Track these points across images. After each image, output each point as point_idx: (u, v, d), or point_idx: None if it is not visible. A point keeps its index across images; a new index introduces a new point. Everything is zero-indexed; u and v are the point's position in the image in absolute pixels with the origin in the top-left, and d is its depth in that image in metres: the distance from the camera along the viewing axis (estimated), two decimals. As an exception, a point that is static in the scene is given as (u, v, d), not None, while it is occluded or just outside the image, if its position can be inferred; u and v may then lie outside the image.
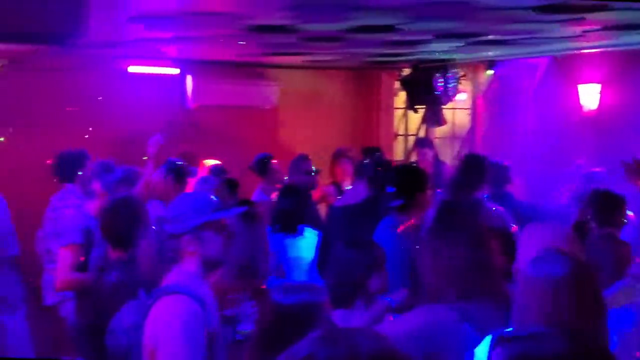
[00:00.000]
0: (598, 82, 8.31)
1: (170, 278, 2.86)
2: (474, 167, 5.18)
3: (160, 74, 7.90)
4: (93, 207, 4.84)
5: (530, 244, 2.80)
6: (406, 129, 9.97)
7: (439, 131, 9.52)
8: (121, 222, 3.92)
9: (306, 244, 5.03)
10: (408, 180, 4.56)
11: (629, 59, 7.70)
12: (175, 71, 7.98)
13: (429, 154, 7.82)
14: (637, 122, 7.41)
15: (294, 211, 5.06)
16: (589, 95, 8.38)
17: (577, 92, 8.47)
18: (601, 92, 8.33)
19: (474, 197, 4.87)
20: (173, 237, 2.85)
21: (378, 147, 8.10)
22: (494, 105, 9.34)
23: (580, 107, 8.45)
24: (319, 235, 5.06)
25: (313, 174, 6.43)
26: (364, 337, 1.37)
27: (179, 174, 5.49)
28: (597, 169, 6.27)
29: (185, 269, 2.85)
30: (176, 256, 2.88)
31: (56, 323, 5.67)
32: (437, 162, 7.99)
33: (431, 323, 2.67)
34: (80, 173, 5.75)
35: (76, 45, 5.17)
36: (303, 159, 6.54)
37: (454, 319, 2.63)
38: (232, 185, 5.71)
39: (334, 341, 1.35)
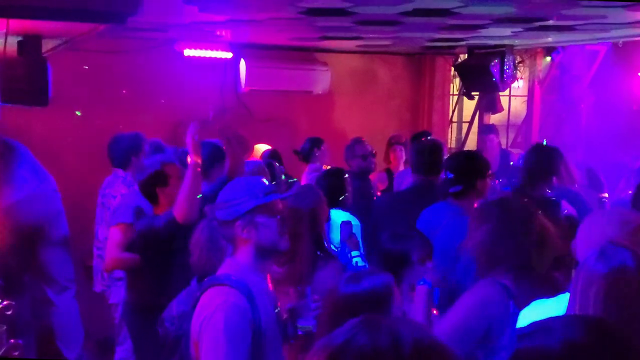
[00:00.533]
0: (660, 70, 8.07)
1: (223, 268, 2.77)
2: (546, 159, 4.86)
3: (214, 57, 7.90)
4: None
5: (591, 233, 2.72)
6: (460, 115, 9.83)
7: (493, 119, 9.34)
8: (148, 179, 4.38)
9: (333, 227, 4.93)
10: (468, 165, 4.36)
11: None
12: (228, 55, 7.98)
13: (495, 140, 7.59)
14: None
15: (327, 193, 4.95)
16: (651, 84, 8.15)
17: (638, 80, 8.23)
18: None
19: (545, 190, 4.68)
20: (225, 223, 2.76)
21: (427, 131, 7.97)
22: (551, 93, 9.13)
23: (641, 96, 8.23)
24: (360, 223, 4.93)
25: (369, 157, 6.22)
26: (406, 326, 1.32)
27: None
28: None
29: (239, 259, 2.76)
30: (229, 244, 2.79)
31: (105, 309, 5.72)
32: (502, 149, 7.79)
33: (481, 303, 2.81)
34: (134, 158, 5.71)
35: (133, 26, 5.18)
36: (357, 142, 6.32)
37: (501, 295, 2.78)
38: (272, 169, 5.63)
39: (375, 328, 1.29)
